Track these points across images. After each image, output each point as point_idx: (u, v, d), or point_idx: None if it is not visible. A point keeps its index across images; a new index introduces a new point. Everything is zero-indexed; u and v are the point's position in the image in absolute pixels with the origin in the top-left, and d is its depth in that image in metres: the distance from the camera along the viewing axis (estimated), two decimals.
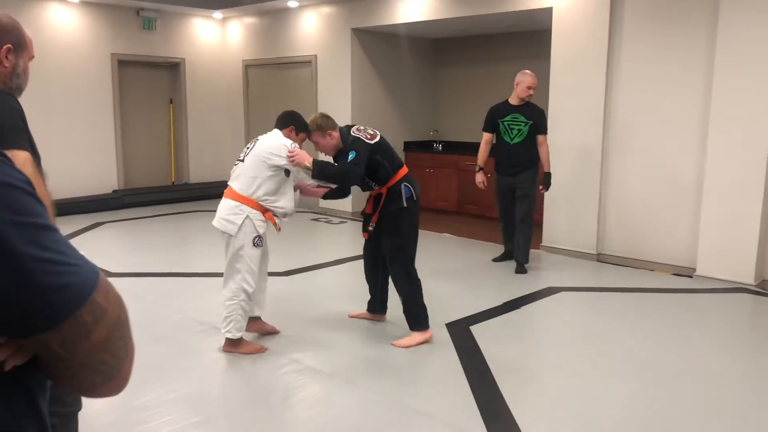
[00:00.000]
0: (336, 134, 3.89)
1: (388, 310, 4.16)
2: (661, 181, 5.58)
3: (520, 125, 5.39)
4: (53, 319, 0.71)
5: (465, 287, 5.05)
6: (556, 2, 5.99)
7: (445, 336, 3.92)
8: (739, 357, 3.79)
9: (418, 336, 3.78)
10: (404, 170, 3.84)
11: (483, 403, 3.04)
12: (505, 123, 5.44)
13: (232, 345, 3.63)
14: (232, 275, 3.66)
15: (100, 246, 6.46)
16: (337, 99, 8.24)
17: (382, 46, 8.37)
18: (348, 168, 3.64)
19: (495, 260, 5.82)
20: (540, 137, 5.36)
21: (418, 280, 3.81)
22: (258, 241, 3.65)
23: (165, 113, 9.47)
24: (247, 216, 3.64)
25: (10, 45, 1.83)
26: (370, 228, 3.86)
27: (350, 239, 7.17)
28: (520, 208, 5.43)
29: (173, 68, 9.36)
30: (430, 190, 8.07)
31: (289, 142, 3.73)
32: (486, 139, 5.57)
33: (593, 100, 5.81)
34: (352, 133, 3.81)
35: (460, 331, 4.00)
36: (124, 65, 8.74)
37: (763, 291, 5.00)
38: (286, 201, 3.70)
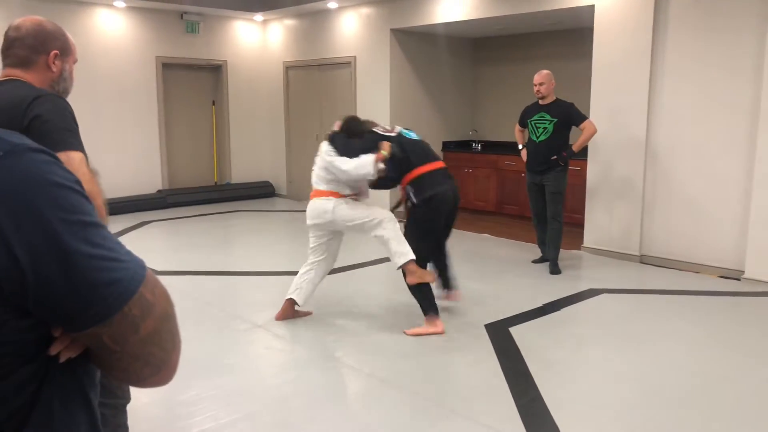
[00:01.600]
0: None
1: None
2: (707, 180, 5.45)
3: (545, 123, 5.47)
4: (104, 313, 0.74)
5: (504, 288, 5.02)
6: (598, 0, 5.90)
7: (484, 337, 3.91)
8: None
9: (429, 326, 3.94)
10: (420, 170, 3.95)
11: (523, 405, 3.03)
12: (533, 122, 5.56)
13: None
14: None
15: (146, 244, 6.64)
16: (376, 99, 8.27)
17: (420, 46, 8.38)
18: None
19: (535, 262, 5.78)
20: (582, 124, 5.37)
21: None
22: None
23: (208, 115, 9.66)
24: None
25: (56, 50, 1.93)
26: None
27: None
28: (549, 206, 5.49)
29: (216, 70, 9.54)
30: (469, 190, 8.04)
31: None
32: (518, 128, 5.87)
33: (637, 98, 5.70)
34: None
35: (500, 333, 3.99)
36: (168, 68, 8.95)
37: None
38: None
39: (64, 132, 1.78)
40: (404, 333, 3.95)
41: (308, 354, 3.69)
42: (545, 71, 5.51)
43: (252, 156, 9.93)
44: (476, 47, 9.07)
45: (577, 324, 4.30)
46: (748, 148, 5.18)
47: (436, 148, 8.74)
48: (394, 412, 2.99)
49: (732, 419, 2.93)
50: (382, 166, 3.84)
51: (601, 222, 6.10)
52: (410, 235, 3.95)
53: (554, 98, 5.50)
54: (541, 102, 5.52)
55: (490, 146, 8.78)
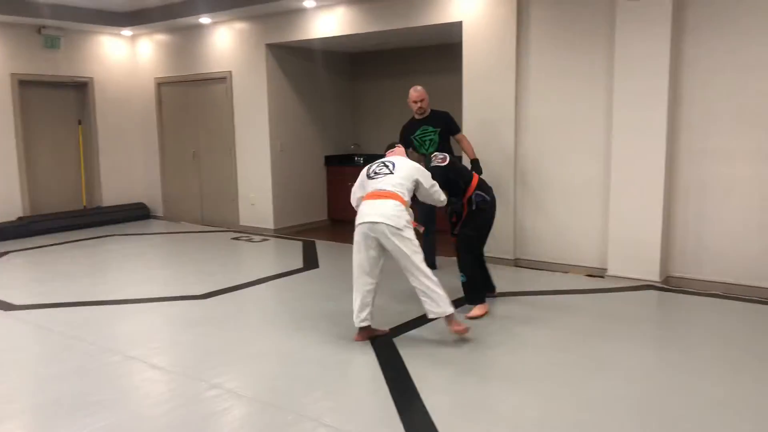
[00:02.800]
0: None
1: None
2: (572, 185, 5.81)
3: (430, 135, 5.60)
4: None
5: (383, 300, 5.06)
6: (466, 17, 6.16)
7: (369, 349, 3.92)
8: (646, 350, 3.97)
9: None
10: (475, 179, 4.73)
11: (406, 415, 3.05)
12: (417, 137, 5.63)
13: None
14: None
15: (5, 277, 6.10)
16: (255, 115, 8.14)
17: (298, 61, 8.35)
18: None
19: None
20: (457, 136, 5.62)
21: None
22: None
23: (74, 134, 9.07)
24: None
25: None
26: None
27: (272, 257, 7.08)
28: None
29: (81, 88, 9.00)
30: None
31: None
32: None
33: (504, 110, 5.99)
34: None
35: (384, 345, 4.01)
36: (26, 85, 8.33)
37: (667, 287, 5.28)
38: None
39: None
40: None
41: (187, 382, 3.53)
42: (420, 87, 5.62)
43: (124, 177, 9.44)
44: (354, 62, 9.17)
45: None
46: (606, 155, 5.58)
47: (319, 163, 8.75)
48: None
49: (599, 406, 3.11)
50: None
51: None
52: (478, 236, 4.70)
53: (430, 110, 5.66)
54: (418, 117, 5.63)
55: (372, 159, 8.84)
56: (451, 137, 5.64)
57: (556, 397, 3.26)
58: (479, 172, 5.49)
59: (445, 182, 4.43)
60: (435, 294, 3.90)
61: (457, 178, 4.58)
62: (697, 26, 5.08)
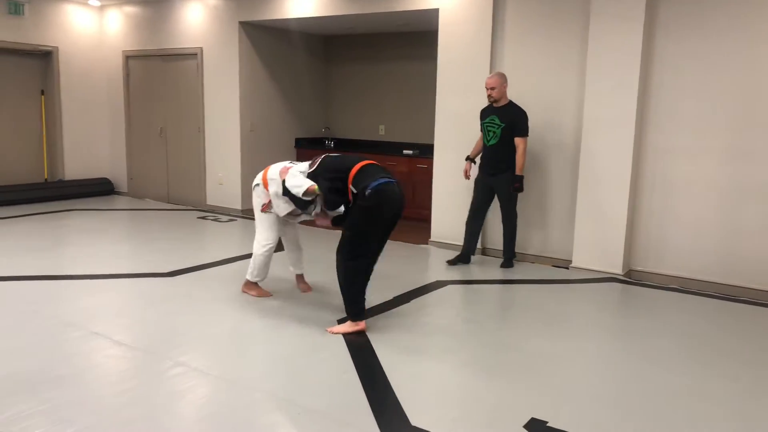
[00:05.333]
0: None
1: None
2: (541, 178, 5.89)
3: (494, 128, 5.43)
4: None
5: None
6: (443, 3, 6.15)
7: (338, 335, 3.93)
8: (604, 340, 4.07)
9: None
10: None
11: (374, 398, 3.08)
12: (484, 125, 5.52)
13: (247, 286, 4.66)
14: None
15: None
16: (225, 93, 8.03)
17: (271, 41, 8.24)
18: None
19: (450, 262, 5.76)
20: (516, 139, 5.36)
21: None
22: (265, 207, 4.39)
23: (36, 105, 8.82)
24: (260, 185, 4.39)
25: None
26: None
27: (239, 237, 7.01)
28: (503, 207, 5.61)
29: (45, 57, 8.74)
30: None
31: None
32: (480, 136, 5.69)
33: (478, 99, 6.01)
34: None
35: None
36: None
37: (629, 280, 5.41)
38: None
39: None
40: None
41: (151, 359, 3.49)
42: (496, 74, 5.43)
43: (88, 151, 9.22)
44: (328, 45, 9.09)
45: (425, 315, 4.45)
46: (575, 147, 5.67)
47: (289, 145, 8.69)
48: (245, 415, 2.91)
49: (570, 393, 3.18)
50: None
51: (445, 217, 6.37)
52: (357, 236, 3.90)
53: (507, 101, 5.45)
54: (494, 105, 5.45)
55: (343, 144, 8.86)
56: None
57: (514, 382, 3.33)
58: (516, 189, 5.44)
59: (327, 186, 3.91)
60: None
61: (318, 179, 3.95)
62: (668, 23, 5.18)
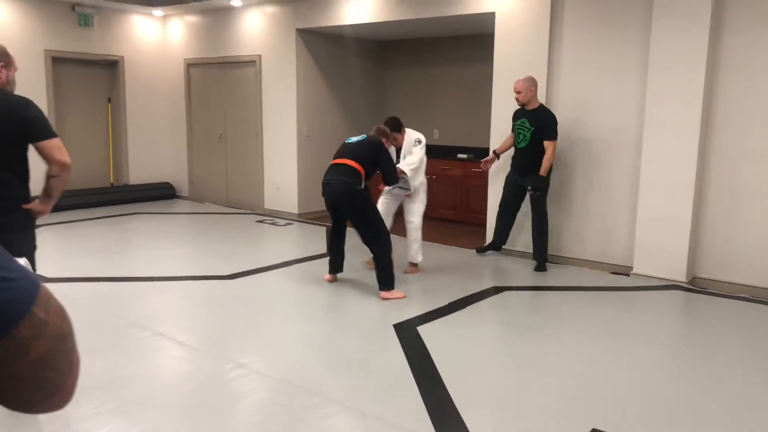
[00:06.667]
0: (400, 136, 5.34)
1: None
2: (600, 183, 5.77)
3: (524, 131, 5.57)
4: None
5: (418, 288, 5.09)
6: (499, 7, 6.11)
7: (392, 337, 3.95)
8: (671, 350, 3.95)
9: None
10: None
11: (431, 404, 3.08)
12: (516, 126, 5.67)
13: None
14: None
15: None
16: (282, 99, 8.17)
17: (327, 47, 8.35)
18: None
19: (479, 250, 6.09)
20: (545, 143, 5.46)
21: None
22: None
23: (103, 112, 9.18)
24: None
25: (2, 63, 3.09)
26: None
27: (297, 241, 7.13)
28: (533, 207, 5.69)
29: (111, 66, 9.09)
30: (375, 192, 8.07)
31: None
32: (510, 135, 5.86)
33: None
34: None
35: (408, 332, 4.04)
36: (59, 62, 8.43)
37: (693, 288, 5.24)
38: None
39: (49, 124, 3.08)
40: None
41: (213, 361, 3.59)
42: (524, 78, 5.55)
43: (151, 156, 9.54)
44: (382, 49, 9.15)
45: (482, 321, 4.42)
46: (635, 151, 5.53)
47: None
48: (301, 415, 2.96)
49: (631, 405, 3.11)
50: None
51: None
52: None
53: (537, 104, 5.57)
54: (526, 107, 5.58)
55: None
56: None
57: (574, 391, 3.27)
58: (539, 190, 5.55)
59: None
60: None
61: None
62: (735, 22, 5.00)
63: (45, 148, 2.96)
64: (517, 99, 5.56)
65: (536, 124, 5.48)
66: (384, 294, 4.67)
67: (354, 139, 5.05)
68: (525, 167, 5.62)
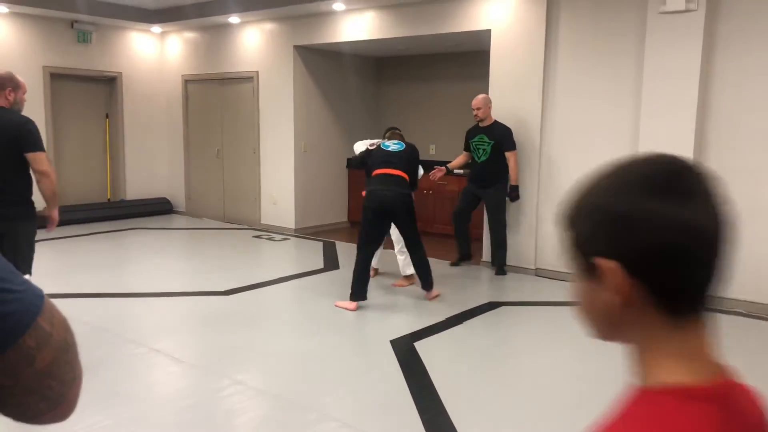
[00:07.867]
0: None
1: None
2: None
3: (484, 145, 5.88)
4: None
5: (404, 303, 5.09)
6: (494, 25, 6.17)
7: (389, 352, 3.95)
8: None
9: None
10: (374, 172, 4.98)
11: (428, 422, 3.08)
12: (473, 144, 5.97)
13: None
14: None
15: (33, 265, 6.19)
16: (280, 116, 8.21)
17: (324, 63, 8.41)
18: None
19: (453, 264, 6.29)
20: (507, 153, 5.81)
21: (358, 257, 4.81)
22: None
23: (101, 128, 9.21)
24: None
25: (10, 87, 3.68)
26: None
27: (294, 256, 7.13)
28: (491, 216, 5.99)
29: (110, 82, 9.14)
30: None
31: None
32: (463, 154, 6.20)
33: (531, 116, 5.99)
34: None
35: (404, 348, 4.04)
36: (57, 78, 8.47)
37: None
38: None
39: (39, 141, 3.64)
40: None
41: (209, 377, 3.58)
42: (481, 96, 5.91)
43: (148, 171, 9.56)
44: (380, 66, 9.22)
45: (478, 337, 4.42)
46: None
47: (341, 165, 8.81)
48: None
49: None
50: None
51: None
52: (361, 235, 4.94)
53: (492, 120, 5.89)
54: (480, 124, 5.90)
55: None
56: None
57: (575, 409, 3.27)
58: (513, 198, 5.88)
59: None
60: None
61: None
62: (729, 40, 5.06)
63: (32, 159, 3.64)
64: (476, 115, 5.88)
65: (494, 137, 5.81)
66: (431, 294, 5.10)
67: (392, 146, 5.07)
68: (486, 179, 5.92)
